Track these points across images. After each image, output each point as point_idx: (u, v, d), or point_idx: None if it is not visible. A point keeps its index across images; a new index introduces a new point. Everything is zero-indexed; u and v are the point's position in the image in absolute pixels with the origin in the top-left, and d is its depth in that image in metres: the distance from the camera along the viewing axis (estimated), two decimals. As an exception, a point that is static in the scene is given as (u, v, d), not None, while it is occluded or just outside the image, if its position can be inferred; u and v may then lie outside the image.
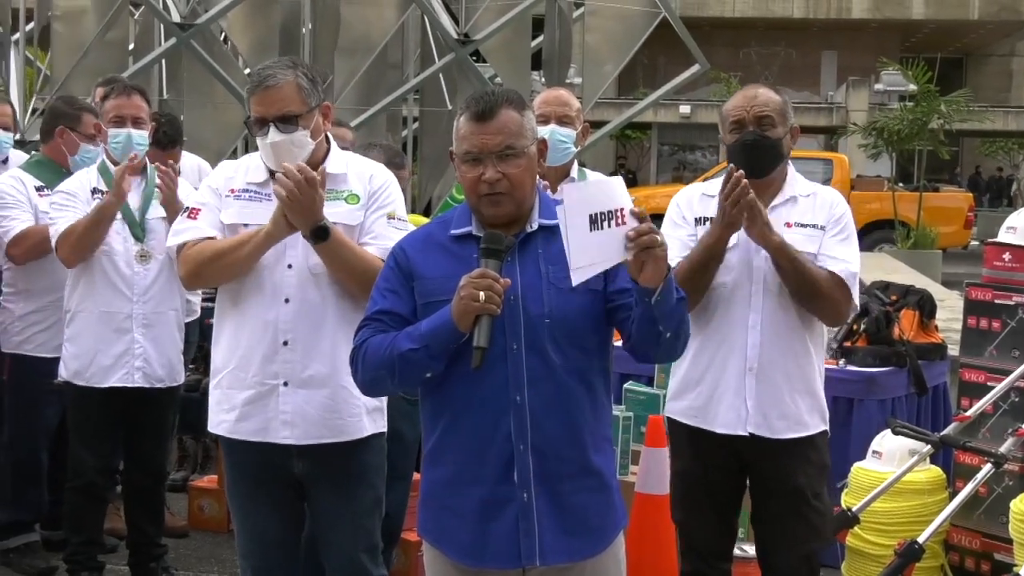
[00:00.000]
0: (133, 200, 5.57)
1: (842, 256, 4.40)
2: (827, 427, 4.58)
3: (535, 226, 3.45)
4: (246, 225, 4.16)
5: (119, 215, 5.50)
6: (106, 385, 5.53)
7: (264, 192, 4.20)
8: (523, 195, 3.41)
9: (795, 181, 4.52)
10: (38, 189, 6.07)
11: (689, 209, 4.54)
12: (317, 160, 4.19)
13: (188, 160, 6.95)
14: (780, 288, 4.38)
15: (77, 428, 5.70)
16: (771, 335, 4.39)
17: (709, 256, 4.35)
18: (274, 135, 4.10)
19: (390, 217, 4.22)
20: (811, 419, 4.47)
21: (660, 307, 3.27)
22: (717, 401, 4.45)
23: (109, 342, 5.51)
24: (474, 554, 3.45)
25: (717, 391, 4.45)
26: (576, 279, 3.23)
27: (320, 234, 4.02)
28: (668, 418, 4.66)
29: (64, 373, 5.62)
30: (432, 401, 3.50)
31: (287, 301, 4.14)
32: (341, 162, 4.29)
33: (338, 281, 4.14)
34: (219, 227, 4.20)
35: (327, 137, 4.31)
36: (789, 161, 4.54)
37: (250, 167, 4.28)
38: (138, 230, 5.55)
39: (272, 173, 4.15)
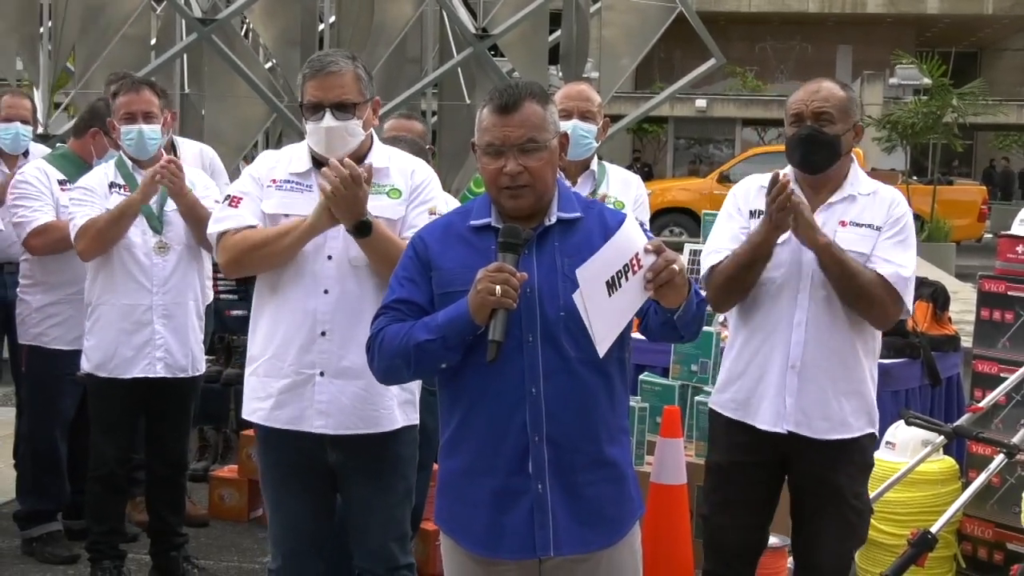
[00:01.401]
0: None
1: (895, 259, 4.31)
2: (875, 429, 4.50)
3: (553, 219, 3.45)
4: (287, 215, 4.19)
5: (136, 207, 5.55)
6: (129, 376, 5.58)
7: (306, 183, 4.23)
8: (543, 188, 3.42)
9: (856, 179, 4.43)
10: (61, 183, 6.13)
11: (745, 201, 4.47)
12: (361, 153, 4.23)
13: (189, 147, 6.90)
14: (828, 288, 4.31)
15: (98, 419, 5.75)
16: (816, 334, 4.33)
17: (756, 255, 4.31)
18: (329, 120, 4.14)
19: (431, 213, 4.21)
20: (856, 421, 4.39)
21: (681, 319, 3.33)
22: (760, 397, 4.40)
23: (130, 333, 5.56)
24: (489, 545, 3.46)
25: (760, 386, 4.40)
26: (603, 350, 3.27)
27: (363, 229, 4.05)
28: (710, 410, 4.63)
29: (86, 365, 5.66)
30: (448, 392, 3.51)
31: (326, 292, 4.17)
32: (384, 156, 4.31)
33: (379, 273, 4.14)
34: (260, 216, 4.23)
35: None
36: (852, 158, 4.46)
37: (292, 158, 4.31)
38: (156, 222, 5.59)
39: (316, 163, 4.19)
